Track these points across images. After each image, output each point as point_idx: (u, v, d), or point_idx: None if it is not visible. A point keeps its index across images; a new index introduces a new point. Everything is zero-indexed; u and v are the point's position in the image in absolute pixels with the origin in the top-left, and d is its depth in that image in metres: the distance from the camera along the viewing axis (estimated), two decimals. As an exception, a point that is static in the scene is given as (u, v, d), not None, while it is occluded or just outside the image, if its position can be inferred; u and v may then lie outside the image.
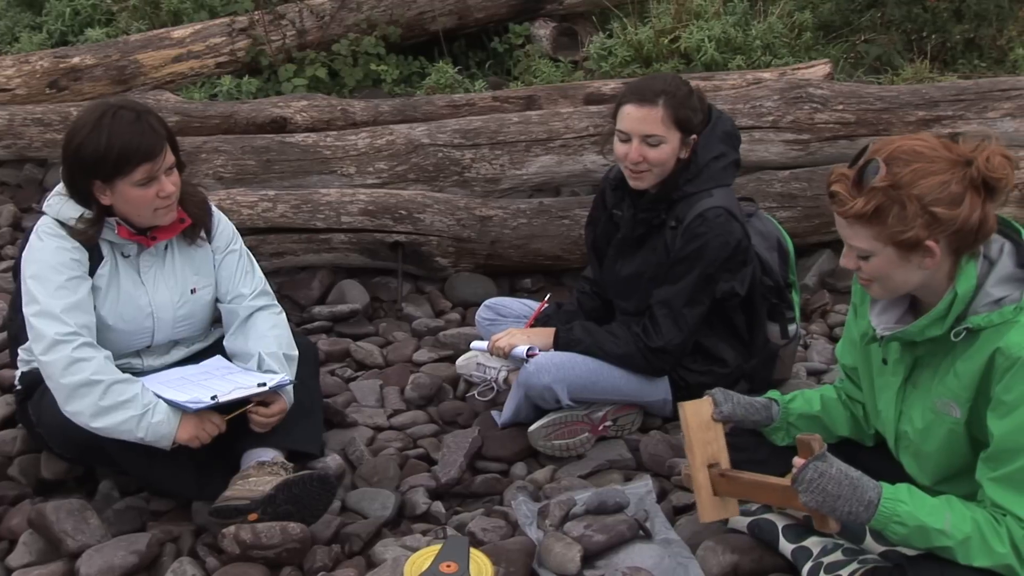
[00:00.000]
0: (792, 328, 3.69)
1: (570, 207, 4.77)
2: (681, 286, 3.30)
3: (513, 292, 4.72)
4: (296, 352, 3.29)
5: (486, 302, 3.90)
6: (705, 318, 3.37)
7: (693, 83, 3.45)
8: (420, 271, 4.76)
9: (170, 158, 3.00)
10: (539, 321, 3.68)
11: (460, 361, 3.83)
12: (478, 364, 3.69)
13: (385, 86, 7.13)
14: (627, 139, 3.29)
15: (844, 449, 2.56)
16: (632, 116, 3.27)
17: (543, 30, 7.58)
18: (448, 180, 5.07)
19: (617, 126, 3.31)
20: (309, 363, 3.39)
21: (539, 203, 4.84)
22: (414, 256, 4.66)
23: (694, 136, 3.33)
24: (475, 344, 3.70)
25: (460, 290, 4.72)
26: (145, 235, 3.11)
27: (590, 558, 2.79)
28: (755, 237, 3.54)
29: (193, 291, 3.23)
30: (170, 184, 3.00)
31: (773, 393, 2.80)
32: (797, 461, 2.31)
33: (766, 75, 6.09)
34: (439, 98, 6.08)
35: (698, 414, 2.60)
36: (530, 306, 3.83)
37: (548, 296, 3.83)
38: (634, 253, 3.47)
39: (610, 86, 5.99)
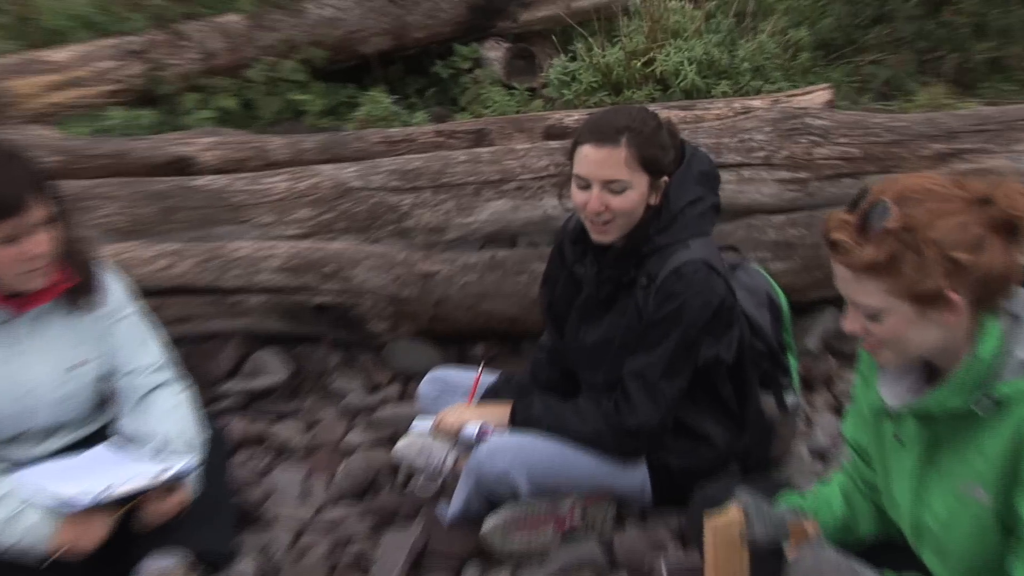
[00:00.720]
0: (790, 399, 3.70)
1: (528, 260, 4.72)
2: (657, 355, 3.30)
3: (463, 361, 4.67)
4: (203, 436, 3.26)
5: (430, 373, 3.89)
6: (687, 390, 3.37)
7: (666, 115, 3.45)
8: (351, 337, 4.72)
9: (40, 212, 2.95)
10: (487, 395, 3.66)
11: (400, 444, 3.70)
12: (421, 448, 3.61)
13: (308, 119, 7.05)
14: (586, 185, 3.29)
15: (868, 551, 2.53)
16: (590, 158, 3.28)
17: (494, 52, 7.58)
18: (384, 230, 4.98)
19: (575, 170, 3.32)
20: (219, 449, 3.37)
21: (491, 256, 4.80)
22: (344, 320, 4.63)
23: (665, 178, 3.34)
24: (417, 424, 3.65)
25: (399, 359, 4.69)
26: (18, 299, 3.07)
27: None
28: (741, 293, 3.56)
29: (77, 366, 3.19)
30: (38, 244, 2.95)
31: (793, 498, 2.76)
32: (791, 551, 2.33)
33: (756, 103, 6.06)
34: (372, 133, 5.94)
35: (727, 534, 2.50)
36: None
37: (483, 364, 3.82)
38: (600, 317, 3.47)
39: (574, 117, 5.89)
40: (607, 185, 3.26)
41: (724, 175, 3.83)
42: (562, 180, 3.52)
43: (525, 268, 4.72)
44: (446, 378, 3.86)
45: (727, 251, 3.71)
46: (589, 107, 6.56)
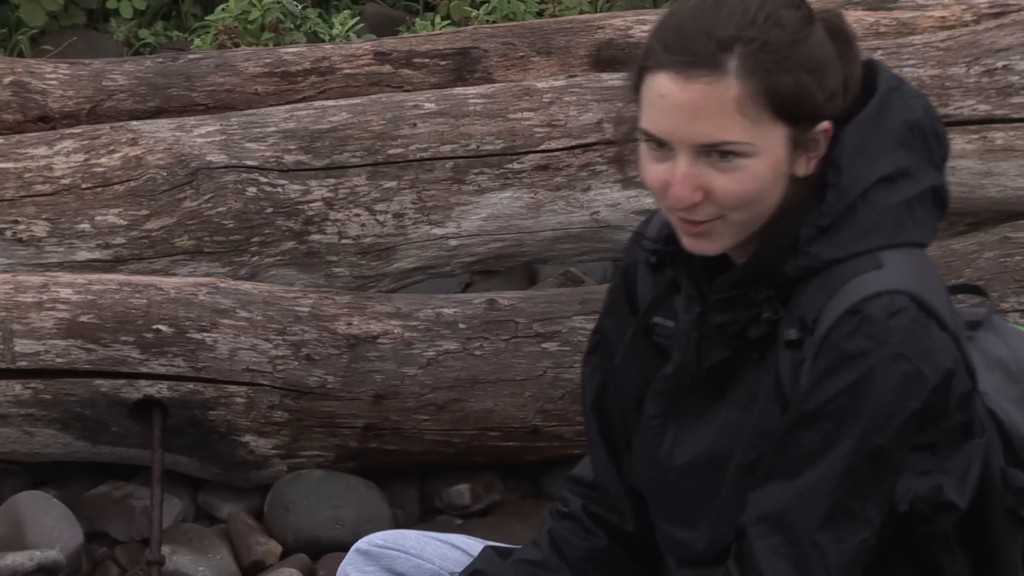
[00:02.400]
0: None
1: (563, 311, 3.98)
2: (810, 481, 2.18)
3: (427, 518, 3.95)
4: None
5: (362, 543, 2.67)
6: (877, 560, 2.22)
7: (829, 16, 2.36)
8: (206, 468, 3.95)
9: None
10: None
11: None
12: None
13: (117, 31, 6.11)
14: (663, 149, 2.30)
15: None
16: (670, 101, 2.28)
17: None
18: (272, 251, 4.15)
19: (643, 122, 2.30)
20: None
21: (487, 304, 4.00)
22: (192, 432, 3.85)
23: (825, 125, 2.27)
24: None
25: (301, 513, 3.86)
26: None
27: None
28: (989, 376, 2.39)
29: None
30: None
31: None
32: None
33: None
34: (247, 56, 4.80)
35: None
36: (463, 548, 2.67)
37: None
38: (704, 410, 2.31)
39: (647, 26, 4.89)
40: (704, 152, 2.26)
41: (954, 140, 3.41)
42: (622, 142, 2.44)
43: (555, 327, 3.96)
44: (393, 551, 2.62)
45: (962, 292, 2.83)
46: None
